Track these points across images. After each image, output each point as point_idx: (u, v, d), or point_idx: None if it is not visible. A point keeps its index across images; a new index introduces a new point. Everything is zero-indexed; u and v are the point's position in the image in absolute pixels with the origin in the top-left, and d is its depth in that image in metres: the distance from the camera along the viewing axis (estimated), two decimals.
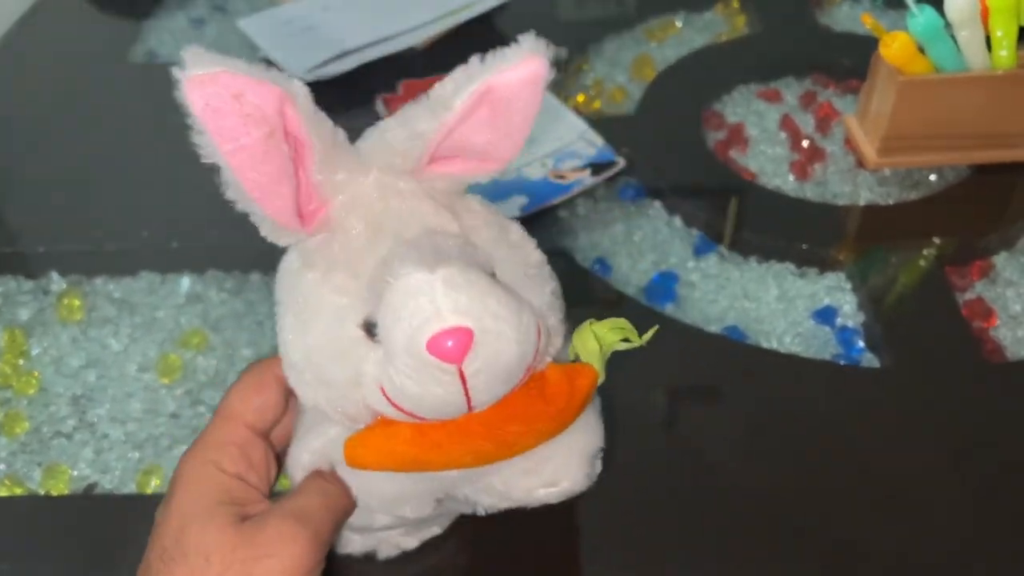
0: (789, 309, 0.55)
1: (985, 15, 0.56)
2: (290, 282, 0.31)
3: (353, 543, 0.39)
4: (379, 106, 0.71)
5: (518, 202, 0.60)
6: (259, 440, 0.33)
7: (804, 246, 0.57)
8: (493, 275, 0.29)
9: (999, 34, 0.57)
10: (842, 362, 0.51)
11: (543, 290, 0.31)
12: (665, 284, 0.56)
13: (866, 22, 0.58)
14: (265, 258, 0.56)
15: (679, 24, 0.82)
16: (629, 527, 0.42)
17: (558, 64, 0.29)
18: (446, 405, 0.28)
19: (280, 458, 0.35)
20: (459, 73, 0.28)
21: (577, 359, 0.33)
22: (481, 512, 0.36)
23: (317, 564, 0.31)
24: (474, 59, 0.28)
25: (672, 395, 0.49)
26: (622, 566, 0.41)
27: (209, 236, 0.59)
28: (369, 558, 0.39)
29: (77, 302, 0.55)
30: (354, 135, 0.30)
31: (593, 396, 0.34)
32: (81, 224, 0.62)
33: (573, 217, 0.61)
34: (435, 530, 0.40)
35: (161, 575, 0.29)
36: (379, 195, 0.30)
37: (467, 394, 0.28)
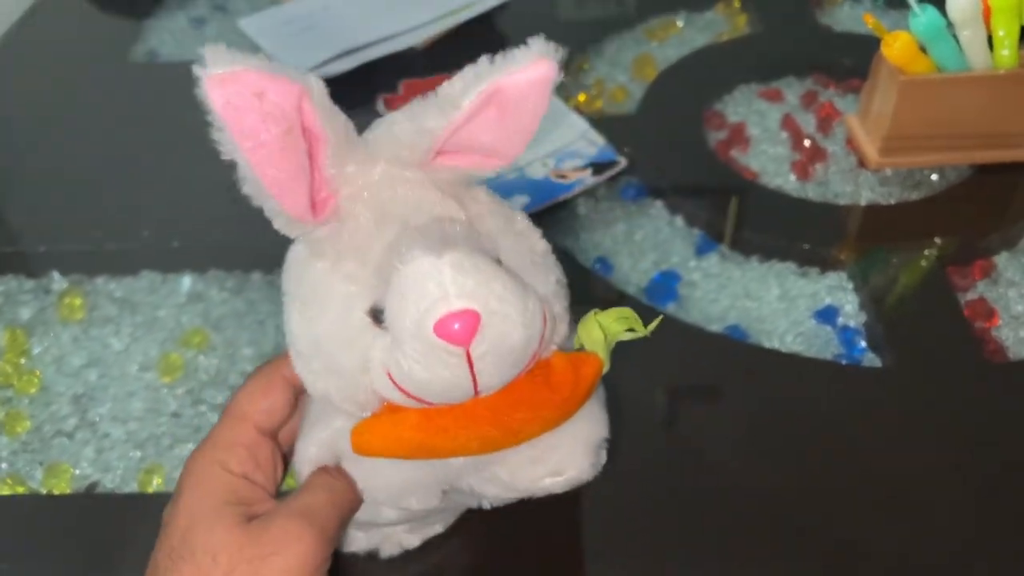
0: (790, 309, 0.55)
1: (987, 15, 0.56)
2: (298, 272, 0.31)
3: (357, 541, 0.39)
4: (380, 106, 0.71)
5: (519, 201, 0.60)
6: (266, 440, 0.33)
7: (805, 246, 0.57)
8: (499, 262, 0.29)
9: (1001, 34, 0.57)
10: (844, 362, 0.51)
11: (548, 278, 0.32)
12: (666, 283, 0.56)
13: (868, 22, 0.58)
14: (266, 257, 0.56)
15: (680, 24, 0.82)
16: (630, 526, 0.42)
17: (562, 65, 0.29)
18: (453, 388, 0.28)
19: (287, 457, 0.35)
20: (468, 72, 0.28)
21: (582, 348, 0.33)
22: (486, 505, 0.36)
23: (324, 561, 0.31)
24: (483, 59, 0.28)
25: (673, 394, 0.49)
26: (622, 566, 0.41)
27: (210, 235, 0.59)
28: (372, 557, 0.40)
29: (78, 301, 0.55)
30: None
31: (598, 386, 0.34)
32: (82, 223, 0.62)
33: (574, 216, 0.61)
34: (437, 528, 0.40)
35: (169, 574, 0.29)
36: (387, 184, 0.30)
37: (474, 377, 0.28)
